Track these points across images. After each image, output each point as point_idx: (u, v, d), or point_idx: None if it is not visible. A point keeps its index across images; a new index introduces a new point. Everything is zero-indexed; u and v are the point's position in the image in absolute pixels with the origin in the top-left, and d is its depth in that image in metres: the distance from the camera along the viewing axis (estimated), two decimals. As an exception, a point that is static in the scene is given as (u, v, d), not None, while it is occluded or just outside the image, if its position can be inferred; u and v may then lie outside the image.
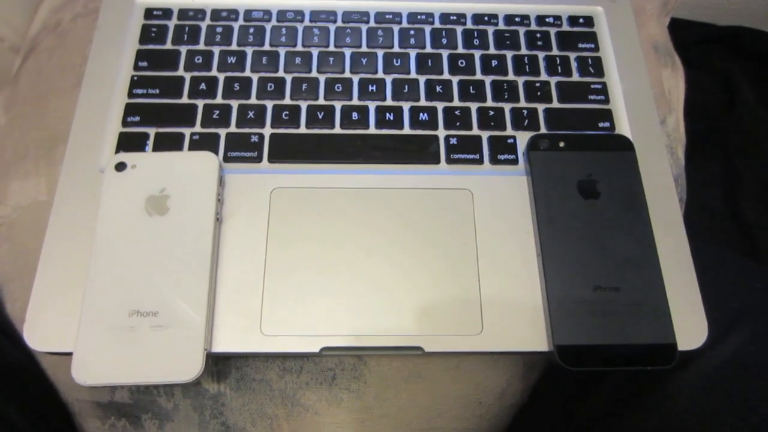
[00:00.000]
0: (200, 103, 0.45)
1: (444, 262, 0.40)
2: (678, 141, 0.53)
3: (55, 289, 0.38)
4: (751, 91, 0.69)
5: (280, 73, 0.46)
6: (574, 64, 0.48)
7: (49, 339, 0.37)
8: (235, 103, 0.45)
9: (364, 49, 0.48)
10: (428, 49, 0.48)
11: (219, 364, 0.42)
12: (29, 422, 0.40)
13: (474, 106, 0.45)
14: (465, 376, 0.42)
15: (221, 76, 0.46)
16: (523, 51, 0.48)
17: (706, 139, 0.67)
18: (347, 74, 0.46)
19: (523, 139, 0.44)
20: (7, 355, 0.42)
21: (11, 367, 0.42)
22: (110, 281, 0.37)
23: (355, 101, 0.45)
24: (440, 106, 0.45)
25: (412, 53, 0.47)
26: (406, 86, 0.46)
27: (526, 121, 0.45)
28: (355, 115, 0.45)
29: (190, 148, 0.43)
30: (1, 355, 0.42)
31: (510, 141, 0.44)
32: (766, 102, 0.69)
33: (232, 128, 0.44)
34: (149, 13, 0.48)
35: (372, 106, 0.45)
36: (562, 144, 0.43)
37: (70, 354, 0.36)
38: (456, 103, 0.46)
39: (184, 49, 0.47)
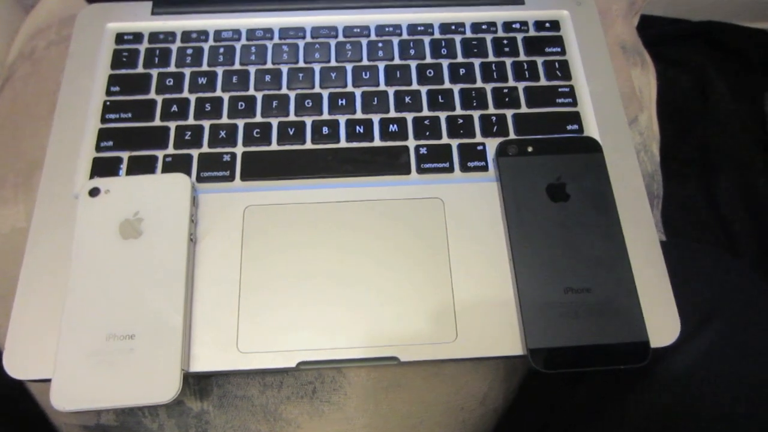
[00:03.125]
0: (172, 125, 0.45)
1: (417, 271, 0.40)
2: (652, 138, 0.54)
3: (33, 317, 0.39)
4: (726, 84, 0.70)
5: (251, 92, 0.47)
6: (541, 69, 0.48)
7: (27, 367, 0.38)
8: (206, 124, 0.45)
9: (333, 63, 0.48)
10: (396, 61, 0.48)
11: (201, 383, 0.42)
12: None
13: (443, 115, 0.46)
14: (445, 382, 0.43)
15: (192, 98, 0.46)
16: (491, 58, 0.49)
17: (682, 135, 0.68)
18: (317, 89, 0.47)
19: (492, 145, 0.45)
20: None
21: (1, 393, 0.43)
22: (86, 306, 0.38)
23: (325, 116, 0.46)
24: (410, 116, 0.46)
25: (381, 65, 0.48)
26: (376, 98, 0.46)
27: (495, 127, 0.46)
28: (325, 130, 0.45)
29: (164, 170, 0.44)
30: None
31: (479, 148, 0.45)
32: (739, 95, 0.69)
33: (205, 148, 0.44)
34: (120, 37, 0.49)
35: (342, 119, 0.46)
36: (530, 149, 0.44)
37: (49, 381, 0.36)
38: (425, 113, 0.46)
39: (155, 72, 0.47)
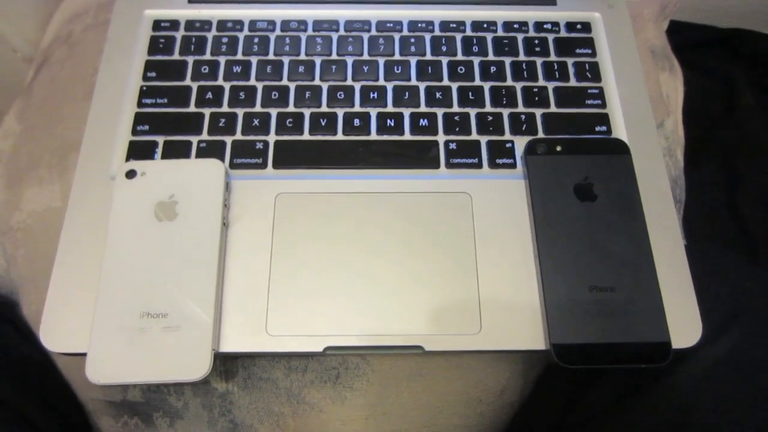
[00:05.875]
0: (207, 111, 0.46)
1: (444, 263, 0.41)
2: (677, 143, 0.54)
3: (69, 293, 0.40)
4: (752, 93, 0.70)
5: (284, 82, 0.48)
6: (571, 70, 0.49)
7: (63, 340, 0.39)
8: (240, 112, 0.46)
9: (365, 57, 0.49)
10: (428, 57, 0.49)
11: (227, 364, 0.43)
12: (47, 420, 0.42)
13: (473, 112, 0.47)
14: (465, 374, 0.43)
15: (227, 85, 0.47)
16: (522, 57, 0.49)
17: (706, 141, 0.68)
18: (349, 82, 0.48)
19: (521, 143, 0.45)
20: (25, 355, 0.43)
21: (30, 368, 0.44)
22: (121, 284, 0.39)
23: (357, 108, 0.47)
24: (440, 111, 0.47)
25: (413, 60, 0.49)
26: (407, 93, 0.47)
27: (524, 125, 0.46)
28: (356, 122, 0.46)
29: (198, 156, 0.45)
30: (20, 355, 0.43)
31: (508, 145, 0.45)
32: (765, 103, 0.69)
33: (238, 136, 0.45)
34: (157, 24, 0.50)
35: (373, 112, 0.46)
36: (559, 148, 0.44)
37: (84, 354, 0.37)
38: (455, 108, 0.47)
39: (191, 60, 0.48)
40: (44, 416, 0.42)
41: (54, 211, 0.46)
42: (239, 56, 0.49)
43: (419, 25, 0.50)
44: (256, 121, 0.46)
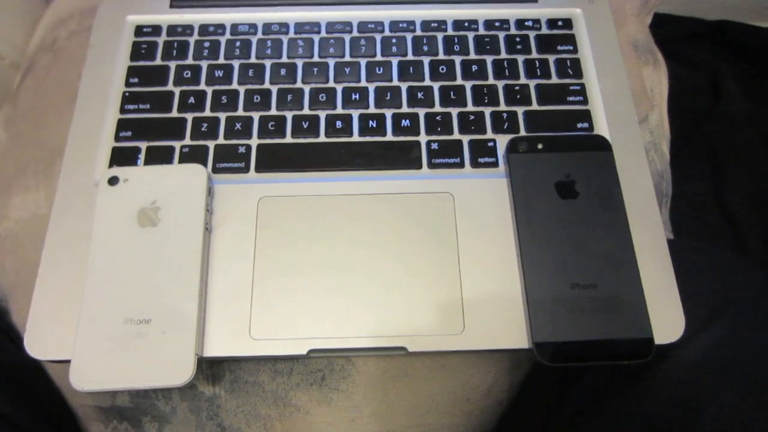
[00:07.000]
0: (189, 116, 0.46)
1: (426, 264, 0.41)
2: (662, 137, 0.54)
3: (54, 300, 0.40)
4: (737, 84, 0.70)
5: (266, 85, 0.48)
6: (552, 67, 0.49)
7: (48, 348, 0.39)
8: (222, 116, 0.46)
9: (347, 58, 0.49)
10: (410, 57, 0.49)
11: (213, 368, 0.43)
12: (37, 426, 0.42)
13: (455, 111, 0.47)
14: (451, 374, 0.44)
15: (209, 90, 0.47)
16: (503, 55, 0.49)
17: (692, 134, 0.68)
18: (331, 84, 0.48)
19: (503, 142, 0.45)
20: (15, 361, 0.44)
21: (19, 373, 0.44)
22: (105, 291, 0.39)
23: (339, 110, 0.47)
24: (422, 112, 0.47)
25: (394, 61, 0.49)
26: (389, 94, 0.47)
27: (506, 124, 0.46)
28: (339, 124, 0.46)
29: (180, 161, 0.45)
30: (10, 362, 0.44)
31: (490, 144, 0.45)
32: (751, 95, 0.69)
33: (221, 140, 0.45)
34: (139, 30, 0.50)
35: (355, 114, 0.46)
36: (540, 146, 0.44)
37: (68, 361, 0.38)
38: (437, 108, 0.47)
39: (173, 65, 0.48)
40: (35, 422, 0.42)
41: (40, 218, 0.47)
42: (221, 60, 0.49)
43: (400, 25, 0.50)
44: (238, 125, 0.46)
